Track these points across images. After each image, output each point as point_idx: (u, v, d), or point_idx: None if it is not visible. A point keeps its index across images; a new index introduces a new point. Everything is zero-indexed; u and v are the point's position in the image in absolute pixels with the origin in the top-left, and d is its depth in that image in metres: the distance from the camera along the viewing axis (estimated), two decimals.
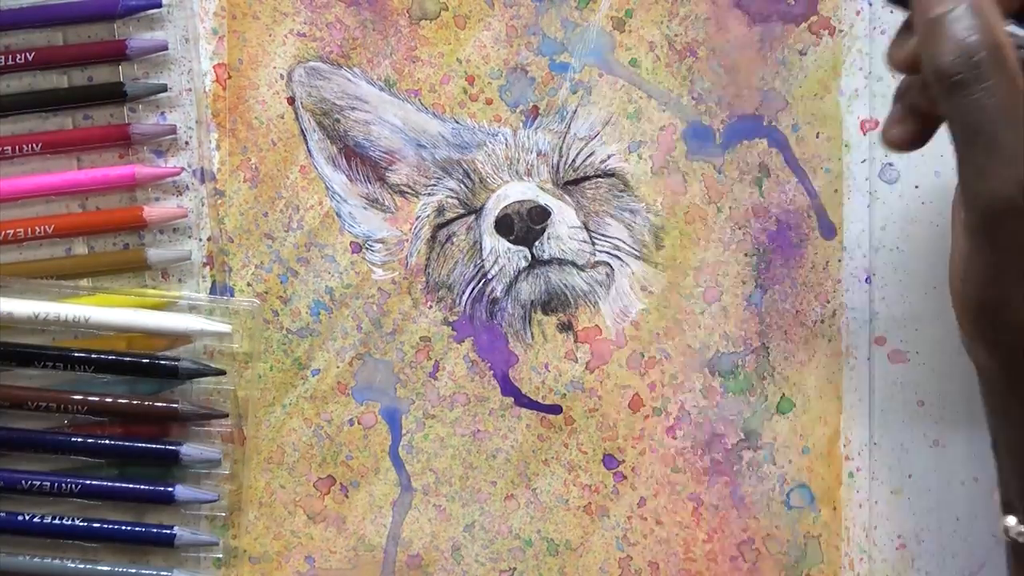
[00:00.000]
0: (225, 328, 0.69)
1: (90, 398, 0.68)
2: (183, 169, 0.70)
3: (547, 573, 0.71)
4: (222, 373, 0.69)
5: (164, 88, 0.70)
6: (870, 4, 0.71)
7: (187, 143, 0.70)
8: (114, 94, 0.69)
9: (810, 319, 0.71)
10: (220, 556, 0.70)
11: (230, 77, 0.70)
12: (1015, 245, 0.58)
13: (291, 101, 0.71)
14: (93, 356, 0.68)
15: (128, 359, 0.68)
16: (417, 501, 0.71)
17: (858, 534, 0.71)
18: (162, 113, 0.70)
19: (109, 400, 0.69)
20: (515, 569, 0.71)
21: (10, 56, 0.69)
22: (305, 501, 0.71)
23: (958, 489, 0.72)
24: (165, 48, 0.69)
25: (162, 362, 0.68)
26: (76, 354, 0.68)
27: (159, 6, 0.69)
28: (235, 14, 0.70)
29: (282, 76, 0.71)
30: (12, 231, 0.69)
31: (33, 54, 0.69)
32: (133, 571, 0.69)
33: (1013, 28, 0.60)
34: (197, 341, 0.69)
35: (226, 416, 0.69)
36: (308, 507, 0.71)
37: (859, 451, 0.71)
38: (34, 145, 0.69)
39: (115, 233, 0.70)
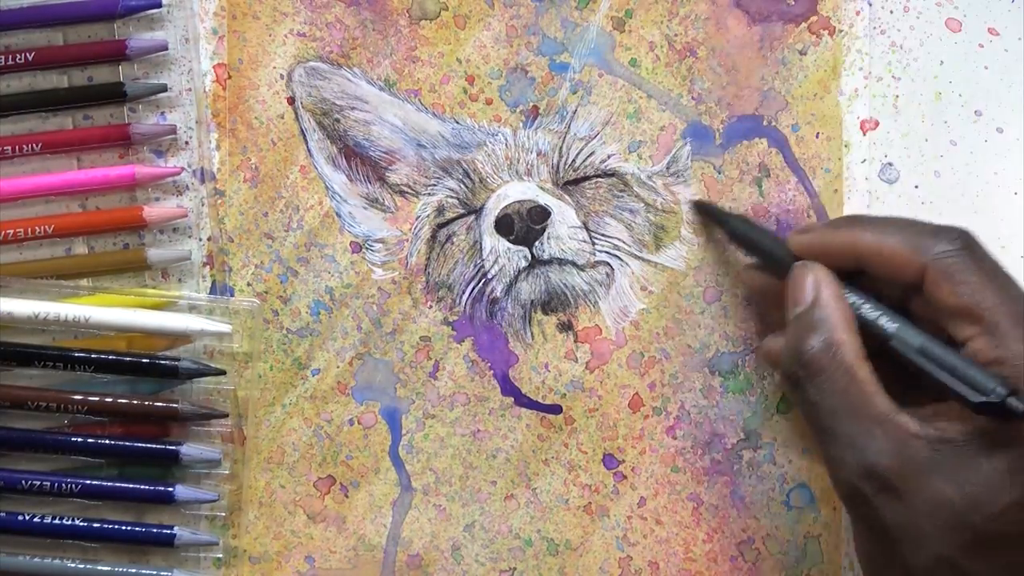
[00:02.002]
0: (225, 328, 0.69)
1: (90, 398, 0.68)
2: (183, 169, 0.70)
3: (547, 573, 0.71)
4: (222, 373, 0.69)
5: (164, 88, 0.70)
6: (870, 4, 0.72)
7: (187, 143, 0.70)
8: (114, 94, 0.69)
9: None
10: (220, 556, 0.70)
11: (230, 77, 0.70)
12: (874, 526, 0.60)
13: (291, 101, 0.71)
14: (93, 356, 0.68)
15: (128, 359, 0.68)
16: (417, 501, 0.71)
17: None
18: (162, 113, 0.70)
19: (109, 400, 0.69)
20: (515, 569, 0.71)
21: (10, 56, 0.69)
22: (305, 501, 0.71)
23: None
24: (165, 48, 0.69)
25: (162, 362, 0.68)
26: (76, 354, 0.68)
27: (159, 6, 0.69)
28: (235, 14, 0.70)
29: (282, 76, 0.71)
30: (12, 231, 0.69)
31: (33, 54, 0.69)
32: (133, 571, 0.68)
33: (855, 298, 0.63)
34: (197, 341, 0.69)
35: (226, 416, 0.69)
36: (308, 507, 0.71)
37: None
38: (34, 145, 0.69)
39: (115, 233, 0.70)
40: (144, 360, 0.68)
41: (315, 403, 0.71)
